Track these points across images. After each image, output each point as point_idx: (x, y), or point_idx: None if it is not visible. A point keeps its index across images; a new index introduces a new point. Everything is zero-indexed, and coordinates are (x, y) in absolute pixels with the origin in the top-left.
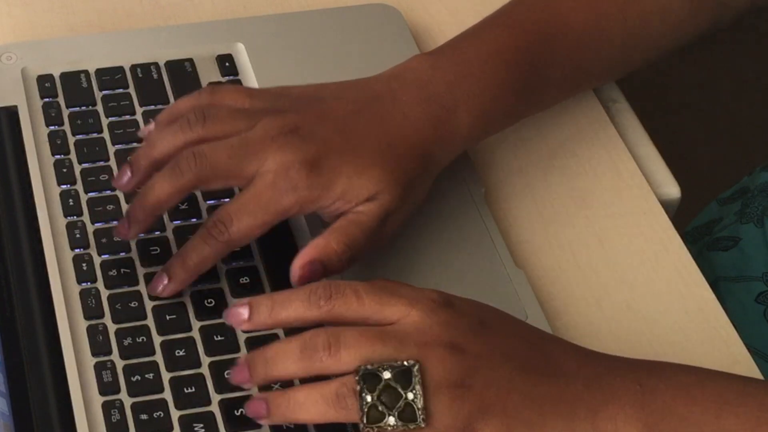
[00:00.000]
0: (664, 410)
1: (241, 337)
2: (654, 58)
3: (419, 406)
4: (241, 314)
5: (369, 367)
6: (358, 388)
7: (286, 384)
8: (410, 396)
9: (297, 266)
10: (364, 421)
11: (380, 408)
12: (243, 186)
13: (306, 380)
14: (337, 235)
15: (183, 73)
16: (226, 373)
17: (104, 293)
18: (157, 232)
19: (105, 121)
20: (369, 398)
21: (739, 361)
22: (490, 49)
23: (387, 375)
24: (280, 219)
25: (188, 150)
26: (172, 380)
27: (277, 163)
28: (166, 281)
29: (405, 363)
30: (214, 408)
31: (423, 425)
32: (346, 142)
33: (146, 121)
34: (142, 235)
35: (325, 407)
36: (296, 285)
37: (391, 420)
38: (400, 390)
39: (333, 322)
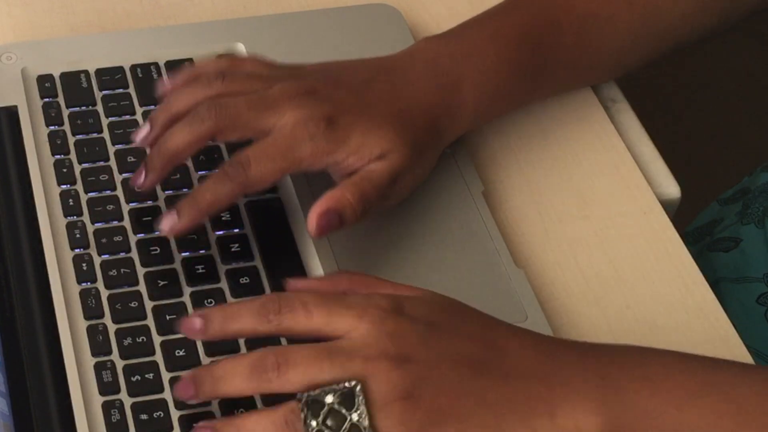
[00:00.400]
0: (625, 402)
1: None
2: (663, 51)
3: (365, 426)
4: (194, 324)
5: (312, 393)
6: (302, 414)
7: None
8: (355, 417)
9: (314, 215)
10: None
11: None
12: (259, 139)
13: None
14: (351, 187)
15: None
16: (173, 390)
17: (104, 293)
18: (157, 232)
19: (105, 121)
20: (314, 423)
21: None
22: (495, 30)
23: (330, 399)
24: (297, 167)
25: (209, 100)
26: (172, 380)
27: (295, 117)
28: (175, 219)
29: (347, 385)
30: (214, 408)
31: None
32: (361, 104)
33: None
34: (142, 234)
35: None
36: (314, 235)
37: None
38: (344, 412)
39: (284, 335)
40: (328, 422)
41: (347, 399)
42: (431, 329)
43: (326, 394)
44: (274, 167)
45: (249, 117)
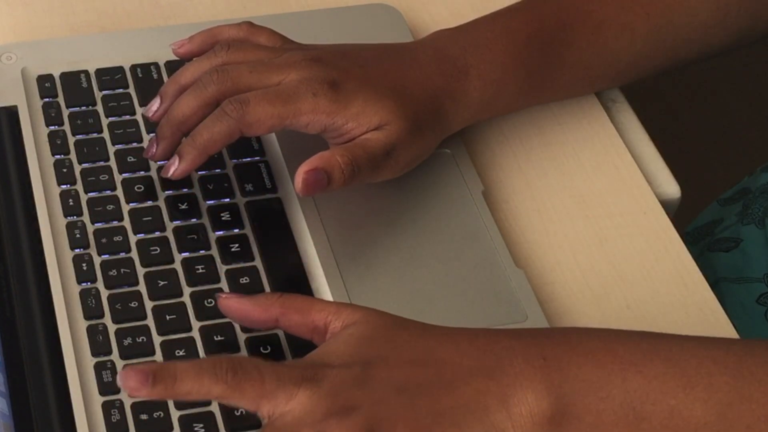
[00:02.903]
0: (571, 379)
1: (241, 337)
2: (676, 64)
3: None
4: (137, 384)
5: None
6: None
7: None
8: None
9: (301, 172)
10: None
11: None
12: None
13: None
14: (343, 151)
15: None
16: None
17: (104, 293)
18: (157, 232)
19: (105, 121)
20: None
21: None
22: (507, 26)
23: None
24: (294, 119)
25: (212, 68)
26: None
27: (301, 75)
28: (176, 162)
29: None
30: (214, 408)
31: None
32: (365, 75)
33: (146, 121)
34: (142, 234)
35: None
36: (300, 192)
37: None
38: None
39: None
40: None
41: None
42: (365, 369)
43: None
44: (273, 111)
45: (251, 79)
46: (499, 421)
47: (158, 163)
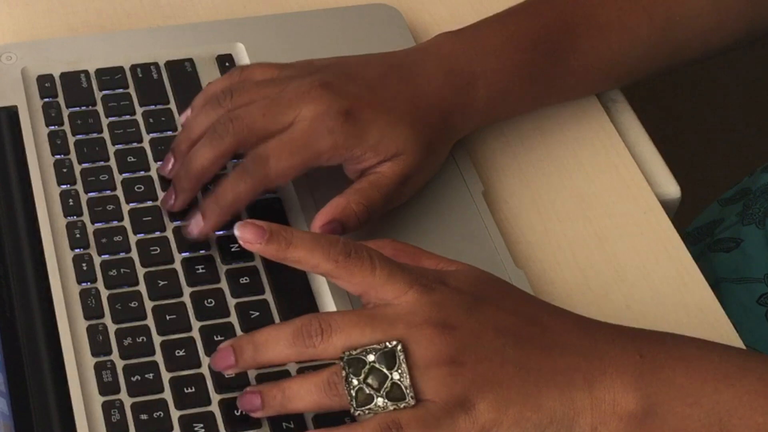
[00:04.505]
0: (663, 380)
1: None
2: (677, 65)
3: (406, 385)
4: (254, 403)
5: (353, 352)
6: (344, 373)
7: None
8: (396, 376)
9: (317, 225)
10: (354, 405)
11: (367, 390)
12: None
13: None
14: (358, 197)
15: (183, 73)
16: (209, 363)
17: (104, 293)
18: (157, 232)
19: (105, 121)
20: (355, 381)
21: None
22: (510, 32)
23: (371, 358)
24: (315, 161)
25: (223, 115)
26: (172, 380)
27: (313, 110)
28: (200, 221)
29: (388, 345)
30: (214, 408)
31: (412, 403)
32: (377, 99)
33: (146, 121)
34: (142, 234)
35: (319, 395)
36: None
37: (380, 401)
38: (385, 371)
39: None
40: (370, 380)
41: (388, 358)
42: (475, 300)
43: (367, 353)
44: (293, 162)
45: (266, 122)
46: (579, 399)
47: (158, 163)
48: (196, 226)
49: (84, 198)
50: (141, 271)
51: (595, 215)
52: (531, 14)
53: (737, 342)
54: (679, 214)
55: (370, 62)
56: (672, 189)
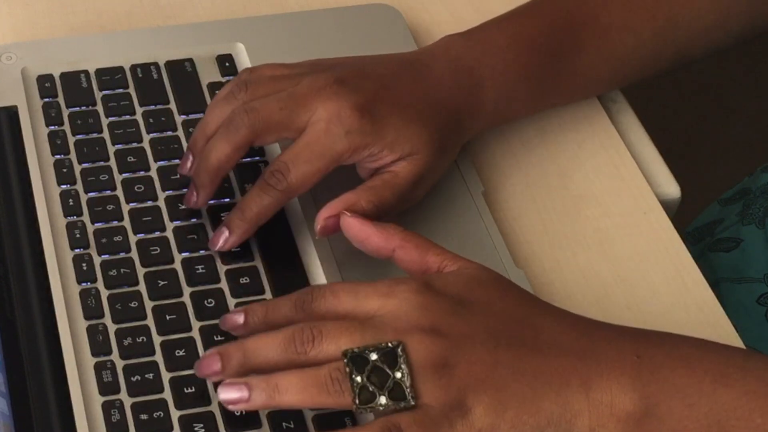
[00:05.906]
0: (661, 380)
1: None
2: (679, 64)
3: (407, 385)
4: (236, 319)
5: (356, 350)
6: (348, 370)
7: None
8: (398, 375)
9: (322, 217)
10: (357, 403)
11: (371, 388)
12: (295, 137)
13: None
14: (369, 195)
15: (183, 73)
16: (196, 368)
17: (104, 293)
18: (157, 232)
19: (105, 121)
20: (359, 379)
21: None
22: (515, 34)
23: (374, 356)
24: (335, 165)
25: (239, 107)
26: (172, 380)
27: (328, 110)
28: (227, 235)
29: (389, 344)
30: (214, 408)
31: (413, 403)
32: (391, 96)
33: (146, 121)
34: (142, 234)
35: (317, 390)
36: (318, 235)
37: (383, 399)
38: (387, 370)
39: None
40: (373, 379)
41: (389, 357)
42: (462, 305)
43: (370, 351)
44: (312, 169)
45: (282, 117)
46: (575, 401)
47: (158, 163)
48: (223, 240)
49: (84, 198)
50: (141, 271)
51: (595, 215)
52: (536, 15)
53: (737, 342)
54: (679, 214)
55: (381, 61)
56: (672, 189)
